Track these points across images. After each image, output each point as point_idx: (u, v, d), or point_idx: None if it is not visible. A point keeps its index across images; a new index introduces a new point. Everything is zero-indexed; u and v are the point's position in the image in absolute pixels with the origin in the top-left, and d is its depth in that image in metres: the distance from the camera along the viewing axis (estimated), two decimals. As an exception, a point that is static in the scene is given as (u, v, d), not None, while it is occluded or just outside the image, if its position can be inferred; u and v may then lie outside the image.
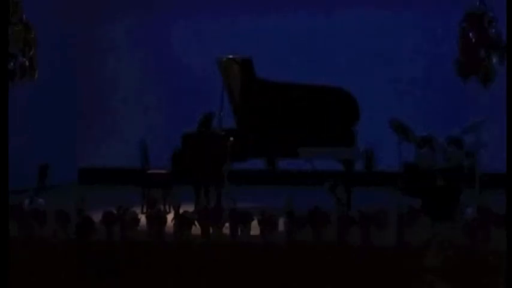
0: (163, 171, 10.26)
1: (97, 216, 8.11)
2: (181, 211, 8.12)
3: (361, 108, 10.32)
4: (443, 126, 9.95)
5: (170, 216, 8.21)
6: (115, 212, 8.11)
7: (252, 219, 8.00)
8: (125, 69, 13.85)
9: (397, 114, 9.72)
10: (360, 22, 13.00)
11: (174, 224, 8.06)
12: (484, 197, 8.59)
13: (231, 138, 9.32)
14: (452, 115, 12.24)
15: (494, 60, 9.85)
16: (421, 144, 9.16)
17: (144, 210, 9.22)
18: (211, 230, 8.07)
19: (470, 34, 10.18)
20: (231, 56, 10.37)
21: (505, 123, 7.73)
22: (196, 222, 8.05)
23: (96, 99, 13.93)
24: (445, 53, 11.61)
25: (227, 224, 8.10)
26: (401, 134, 9.38)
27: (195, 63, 13.28)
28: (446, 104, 12.71)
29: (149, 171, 10.33)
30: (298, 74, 10.89)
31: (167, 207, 9.70)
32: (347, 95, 10.35)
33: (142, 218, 8.21)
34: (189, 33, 13.51)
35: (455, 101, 12.54)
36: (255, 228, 7.98)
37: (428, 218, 8.14)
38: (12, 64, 9.91)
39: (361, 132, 10.27)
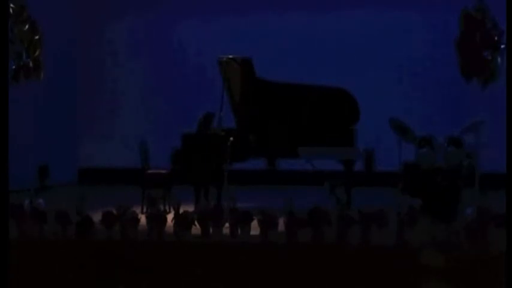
0: (163, 171, 10.26)
1: (97, 216, 8.11)
2: (181, 211, 8.11)
3: (361, 108, 10.32)
4: (443, 126, 9.95)
5: (170, 216, 8.20)
6: (115, 212, 8.10)
7: (252, 219, 7.99)
8: (126, 69, 13.85)
9: (397, 114, 9.72)
10: (360, 22, 12.99)
11: (174, 224, 8.06)
12: (484, 197, 8.58)
13: (231, 138, 9.31)
14: (452, 115, 12.24)
15: (499, 60, 9.85)
16: (421, 144, 9.15)
17: (144, 210, 9.22)
18: (211, 230, 8.07)
19: (472, 34, 10.17)
20: (231, 56, 10.36)
21: (505, 123, 7.73)
22: (196, 222, 8.04)
23: (96, 99, 13.93)
24: (446, 53, 11.63)
25: (227, 224, 8.10)
26: (401, 133, 9.38)
27: (195, 63, 13.29)
28: (446, 104, 12.71)
29: (149, 171, 10.33)
30: (298, 74, 10.88)
31: (167, 207, 9.71)
32: (347, 95, 10.35)
33: (142, 218, 8.21)
34: (189, 34, 13.51)
35: (455, 101, 12.54)
36: (255, 228, 7.97)
37: (428, 218, 8.13)
38: (16, 64, 9.89)
39: (361, 132, 10.27)
